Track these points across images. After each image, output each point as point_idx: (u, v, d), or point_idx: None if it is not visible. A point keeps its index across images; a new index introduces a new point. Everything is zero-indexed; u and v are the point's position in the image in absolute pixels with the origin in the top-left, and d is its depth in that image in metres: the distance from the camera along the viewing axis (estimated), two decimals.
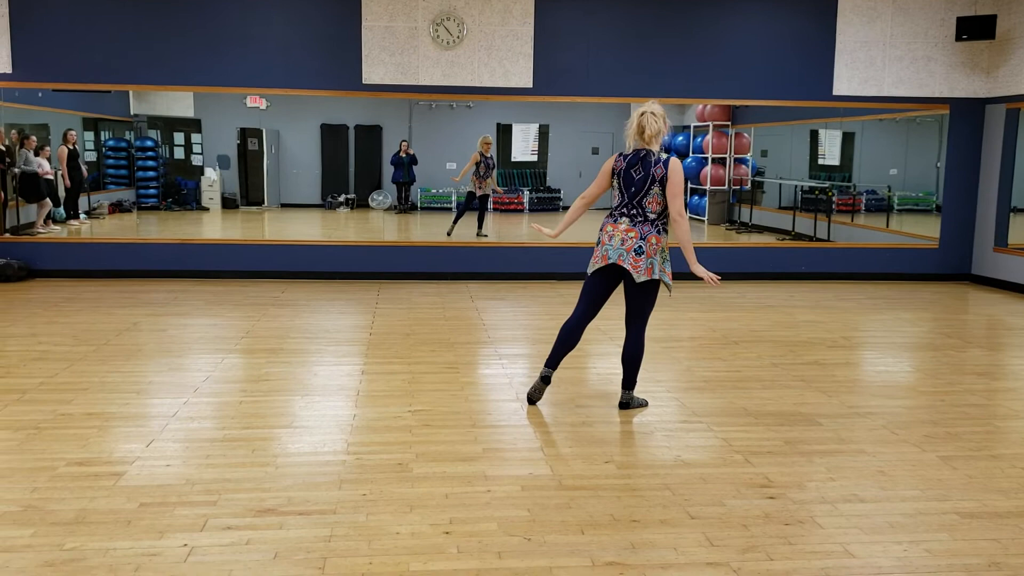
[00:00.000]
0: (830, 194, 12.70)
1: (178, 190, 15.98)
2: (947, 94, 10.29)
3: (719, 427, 4.71)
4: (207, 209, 15.86)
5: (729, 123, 15.34)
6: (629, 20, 9.89)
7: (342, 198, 16.56)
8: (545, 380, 5.01)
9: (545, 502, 3.64)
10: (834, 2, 10.03)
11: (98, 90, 10.46)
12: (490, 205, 13.04)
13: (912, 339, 7.45)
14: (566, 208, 16.15)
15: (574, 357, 5.41)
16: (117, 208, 14.53)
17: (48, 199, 11.14)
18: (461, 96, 10.16)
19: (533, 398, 5.04)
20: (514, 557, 3.15)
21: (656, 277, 4.68)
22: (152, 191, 15.64)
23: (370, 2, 9.52)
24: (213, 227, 14.33)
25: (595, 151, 16.95)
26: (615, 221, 4.74)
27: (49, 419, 4.62)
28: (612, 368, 5.64)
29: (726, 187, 15.42)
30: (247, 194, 16.24)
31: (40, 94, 10.70)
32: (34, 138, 11.15)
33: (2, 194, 9.92)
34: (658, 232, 4.69)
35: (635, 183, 4.67)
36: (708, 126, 15.43)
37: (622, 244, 4.67)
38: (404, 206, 15.93)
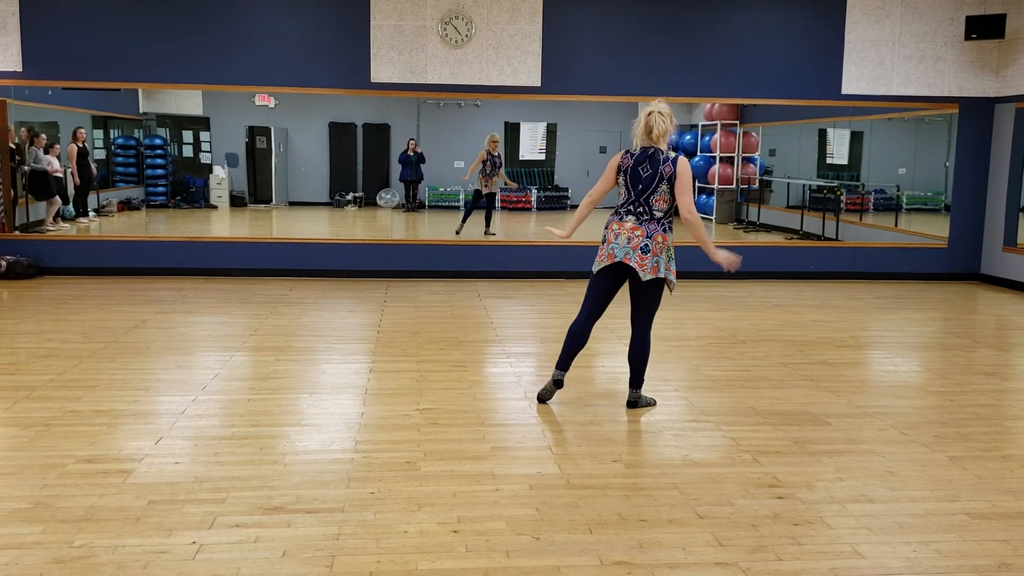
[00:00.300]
0: (838, 193, 12.65)
1: (187, 188, 16.01)
2: (956, 93, 10.25)
3: (727, 426, 4.70)
4: (215, 207, 15.88)
5: (737, 122, 15.30)
6: (638, 19, 9.87)
7: (350, 196, 16.56)
8: (557, 383, 5.00)
9: (553, 501, 3.64)
10: (843, 1, 10.00)
11: (107, 88, 10.49)
12: (497, 203, 13.02)
13: (921, 339, 7.42)
14: (574, 207, 16.13)
15: (582, 356, 5.40)
16: (126, 206, 14.57)
17: (57, 197, 11.17)
18: (469, 95, 10.16)
19: (543, 398, 5.04)
20: (522, 556, 3.14)
21: (661, 275, 4.68)
22: (161, 189, 15.67)
23: (379, 1, 9.53)
24: (221, 225, 14.36)
25: (603, 150, 16.91)
26: (620, 219, 4.73)
27: (58, 416, 4.63)
28: (620, 367, 5.63)
29: (734, 186, 15.38)
30: (255, 192, 16.25)
31: (50, 92, 10.73)
32: (44, 136, 11.18)
33: (12, 192, 9.95)
34: (664, 230, 4.69)
35: (642, 181, 4.67)
36: (716, 125, 15.39)
37: (628, 242, 4.66)
38: (412, 204, 15.93)
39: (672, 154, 4.71)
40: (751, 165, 15.27)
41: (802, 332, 7.34)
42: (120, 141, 15.33)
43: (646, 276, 4.65)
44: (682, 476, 3.96)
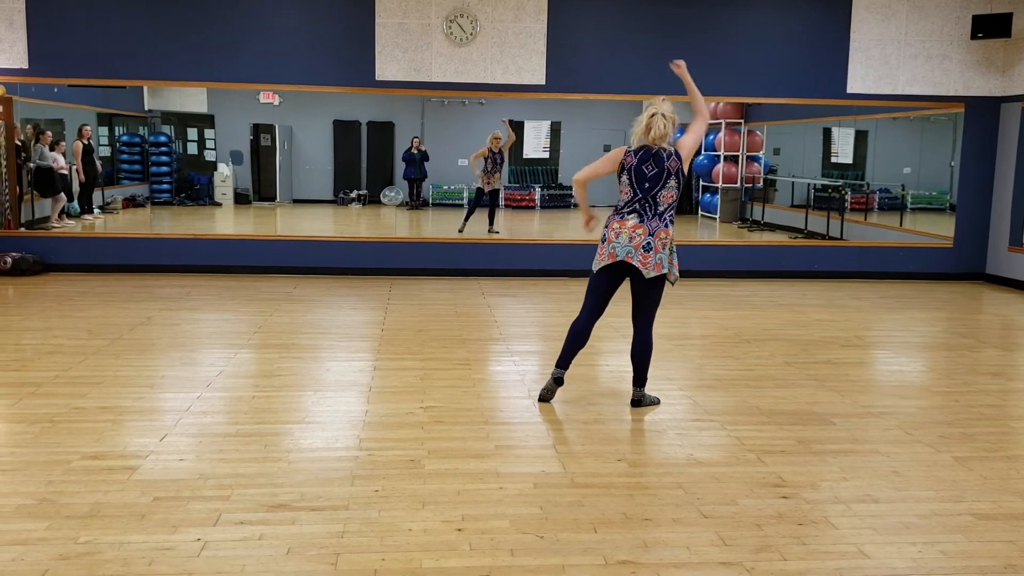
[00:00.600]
0: (843, 192, 12.63)
1: (191, 185, 16.04)
2: (962, 92, 10.22)
3: (732, 426, 4.69)
4: (220, 204, 15.91)
5: (742, 121, 15.29)
6: (642, 18, 9.86)
7: (354, 194, 16.57)
8: (558, 381, 5.00)
9: (557, 500, 3.64)
10: (849, 0, 9.98)
11: (113, 86, 10.50)
12: (501, 201, 13.03)
13: (926, 339, 7.41)
14: (577, 206, 16.14)
15: (585, 354, 5.40)
16: (131, 203, 14.59)
17: (63, 194, 11.19)
18: (474, 93, 10.16)
19: (545, 398, 5.04)
20: (527, 555, 3.14)
21: (664, 271, 4.69)
22: (165, 186, 15.70)
23: None
24: (226, 222, 14.37)
25: (607, 148, 16.90)
26: (622, 218, 4.73)
27: (63, 413, 4.64)
28: (623, 365, 5.62)
29: (738, 185, 15.37)
30: (259, 190, 16.28)
31: (55, 89, 10.75)
32: (49, 133, 11.20)
33: (17, 189, 9.97)
34: (666, 226, 4.70)
35: (648, 179, 4.67)
36: (721, 123, 15.37)
37: (630, 241, 4.66)
38: (416, 202, 15.94)
39: (672, 148, 4.72)
40: (755, 164, 15.25)
41: (806, 331, 7.33)
42: (125, 138, 15.36)
43: (650, 274, 4.66)
44: (686, 475, 3.96)
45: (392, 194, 16.78)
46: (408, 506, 3.53)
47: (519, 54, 9.70)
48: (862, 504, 3.66)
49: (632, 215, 4.71)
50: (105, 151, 14.32)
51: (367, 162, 17.00)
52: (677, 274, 4.79)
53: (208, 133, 16.32)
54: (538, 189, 17.44)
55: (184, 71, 9.55)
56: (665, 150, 4.68)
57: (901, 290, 9.75)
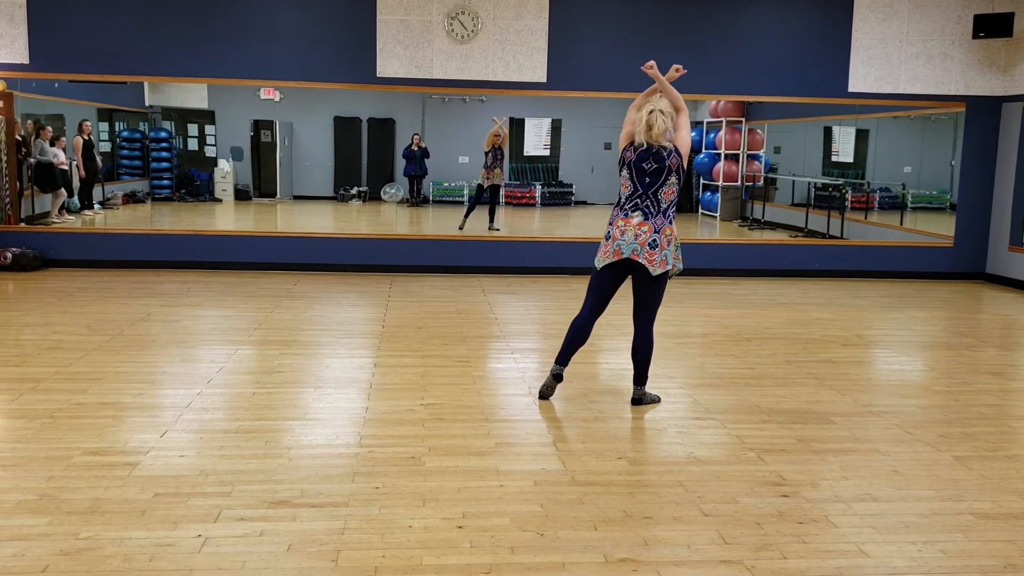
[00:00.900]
0: (844, 191, 12.62)
1: (191, 181, 16.02)
2: (963, 92, 10.22)
3: (732, 424, 4.70)
4: (220, 200, 15.89)
5: (742, 119, 15.27)
6: (644, 15, 9.85)
7: (354, 191, 16.56)
8: (557, 378, 5.01)
9: (557, 497, 3.64)
10: None
11: (114, 81, 10.48)
12: (501, 198, 13.02)
13: (926, 338, 7.41)
14: (579, 203, 16.14)
15: (585, 352, 5.41)
16: (131, 199, 14.56)
17: (63, 189, 11.17)
18: (475, 90, 10.15)
19: (545, 394, 5.04)
20: (527, 552, 3.15)
21: (669, 267, 4.70)
22: (166, 182, 15.67)
23: None
24: (226, 218, 14.36)
25: (607, 146, 16.89)
26: (626, 215, 4.73)
27: (64, 408, 4.64)
28: (624, 363, 5.62)
29: (739, 183, 15.36)
30: (260, 186, 16.25)
31: (56, 85, 10.73)
32: (49, 128, 11.18)
33: (18, 184, 9.96)
34: (670, 222, 4.72)
35: (648, 175, 4.68)
36: (721, 122, 15.36)
37: (635, 239, 4.66)
38: (416, 199, 15.93)
39: (672, 145, 4.73)
40: (756, 162, 15.24)
41: (807, 330, 7.33)
42: (125, 134, 15.33)
43: (656, 271, 4.66)
44: (687, 473, 3.96)
45: (392, 191, 16.76)
46: (408, 503, 3.53)
47: (520, 51, 9.70)
48: (862, 503, 3.67)
49: (636, 212, 4.71)
50: (105, 147, 14.29)
51: (367, 159, 16.98)
52: (680, 267, 4.82)
53: (208, 129, 16.29)
54: (539, 186, 17.42)
55: (185, 67, 9.54)
56: (665, 147, 4.69)
57: (901, 289, 9.75)
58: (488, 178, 12.09)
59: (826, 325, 7.58)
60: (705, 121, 16.08)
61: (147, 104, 15.28)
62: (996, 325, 8.20)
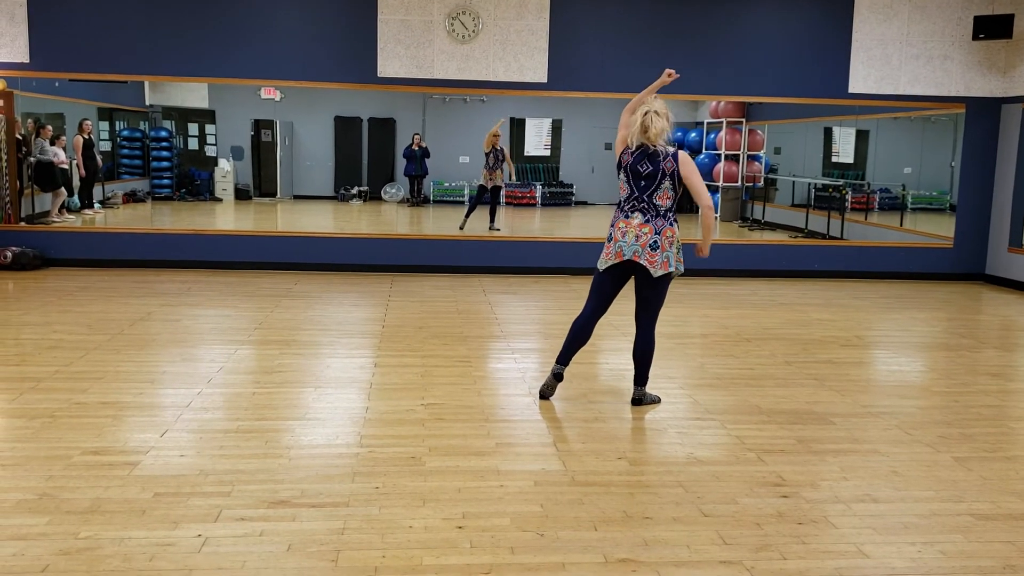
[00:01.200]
0: (844, 192, 12.63)
1: (191, 180, 16.02)
2: (963, 93, 10.22)
3: (732, 424, 4.70)
4: (220, 200, 15.89)
5: (743, 119, 15.28)
6: (644, 16, 9.86)
7: (355, 190, 16.56)
8: (557, 377, 5.01)
9: (557, 498, 3.64)
10: (851, 0, 9.98)
11: (114, 80, 10.48)
12: (502, 198, 13.03)
13: (926, 339, 7.41)
14: (579, 203, 16.17)
15: (586, 352, 5.41)
16: (131, 198, 14.57)
17: (63, 188, 11.18)
18: (475, 90, 10.15)
19: (545, 394, 5.04)
20: (527, 552, 3.15)
21: (671, 269, 4.70)
22: (166, 181, 15.67)
23: None
24: (226, 218, 14.36)
25: (607, 147, 16.89)
26: (627, 217, 4.73)
27: (64, 408, 4.64)
28: (624, 363, 5.63)
29: (739, 184, 15.36)
30: (260, 185, 16.26)
31: (56, 84, 10.74)
32: (50, 127, 11.18)
33: (18, 183, 9.96)
34: (671, 224, 4.71)
35: (644, 178, 4.68)
36: (722, 122, 15.37)
37: (637, 240, 4.67)
38: (416, 199, 15.93)
39: (671, 149, 4.72)
40: (756, 163, 15.25)
41: (807, 331, 7.33)
42: (125, 133, 15.34)
43: (657, 272, 4.66)
44: (687, 474, 3.96)
45: (393, 191, 16.77)
46: (408, 503, 3.54)
47: (521, 52, 9.70)
48: (862, 504, 3.67)
49: (636, 213, 4.71)
50: (106, 146, 14.29)
51: (368, 158, 16.99)
52: (682, 269, 4.82)
53: (209, 128, 16.29)
54: (539, 187, 17.43)
55: (185, 66, 9.54)
56: (662, 151, 4.67)
57: (901, 290, 9.76)
58: (490, 179, 12.10)
59: (826, 326, 7.58)
60: (705, 122, 16.09)
61: (147, 103, 15.28)
62: (995, 326, 8.20)
